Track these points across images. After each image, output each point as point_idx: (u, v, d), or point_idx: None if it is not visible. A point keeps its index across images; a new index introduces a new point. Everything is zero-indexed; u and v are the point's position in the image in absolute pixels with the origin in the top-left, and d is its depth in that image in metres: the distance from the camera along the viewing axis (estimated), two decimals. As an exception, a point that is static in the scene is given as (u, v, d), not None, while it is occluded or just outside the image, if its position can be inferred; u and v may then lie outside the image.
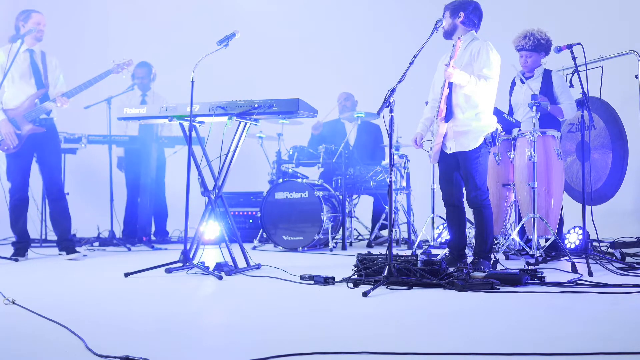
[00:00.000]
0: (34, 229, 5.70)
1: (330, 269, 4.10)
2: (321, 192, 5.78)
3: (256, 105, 4.14)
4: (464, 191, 4.24)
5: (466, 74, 3.98)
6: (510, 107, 5.15)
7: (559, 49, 4.51)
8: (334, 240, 5.81)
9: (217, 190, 4.25)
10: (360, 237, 6.93)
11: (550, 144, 4.62)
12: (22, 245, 5.09)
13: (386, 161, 6.11)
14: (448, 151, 4.18)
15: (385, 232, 6.37)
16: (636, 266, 4.11)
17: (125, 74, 5.42)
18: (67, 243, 5.22)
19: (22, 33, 5.00)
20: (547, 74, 4.96)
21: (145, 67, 6.55)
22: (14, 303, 2.89)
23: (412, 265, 3.41)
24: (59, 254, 5.23)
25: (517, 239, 4.65)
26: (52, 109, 5.12)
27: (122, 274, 3.89)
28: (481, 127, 4.10)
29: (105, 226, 6.53)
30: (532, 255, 4.38)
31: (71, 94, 5.08)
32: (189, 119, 4.13)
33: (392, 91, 3.52)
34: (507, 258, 4.76)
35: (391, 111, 3.54)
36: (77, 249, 5.28)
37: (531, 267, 4.00)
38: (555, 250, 4.60)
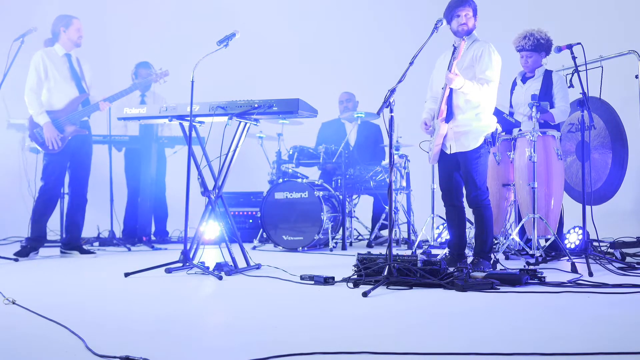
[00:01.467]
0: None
1: (330, 269, 4.10)
2: (321, 192, 5.79)
3: (256, 105, 4.14)
4: (464, 191, 4.23)
5: (469, 82, 3.97)
6: (511, 107, 5.15)
7: (559, 49, 4.51)
8: (334, 240, 5.81)
9: (217, 190, 4.25)
10: (360, 237, 6.93)
11: (550, 144, 4.62)
12: (32, 245, 5.12)
13: (386, 161, 6.11)
14: (448, 151, 4.18)
15: (385, 232, 6.37)
16: (636, 266, 4.11)
17: (162, 83, 5.56)
18: (77, 243, 5.30)
19: (52, 38, 5.15)
20: (547, 74, 4.96)
21: (146, 67, 6.54)
22: (14, 303, 2.89)
23: (412, 265, 3.41)
24: (63, 253, 5.26)
25: (517, 239, 4.65)
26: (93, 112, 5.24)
27: (122, 274, 3.89)
28: (481, 127, 4.10)
29: (105, 226, 6.53)
30: (532, 255, 4.38)
31: (113, 99, 5.22)
32: (189, 119, 4.13)
33: (392, 91, 3.51)
34: (507, 258, 4.76)
35: (391, 111, 3.54)
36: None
37: (531, 267, 3.99)
38: (555, 250, 4.60)
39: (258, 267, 4.24)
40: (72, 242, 5.27)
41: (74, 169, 5.26)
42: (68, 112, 5.11)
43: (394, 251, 3.50)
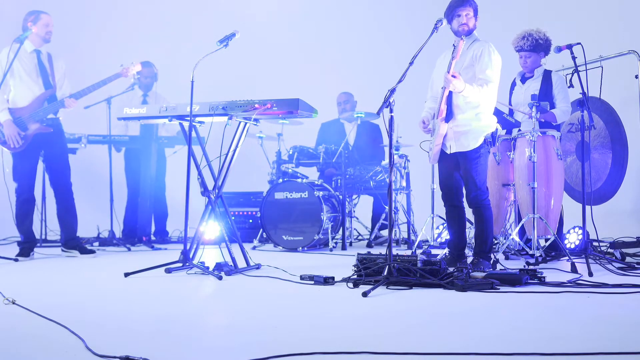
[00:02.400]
0: (34, 229, 5.70)
1: (330, 269, 4.10)
2: (321, 192, 5.78)
3: (256, 106, 4.14)
4: (464, 191, 4.23)
5: (469, 86, 3.96)
6: (510, 107, 5.15)
7: (559, 49, 4.51)
8: (334, 240, 5.81)
9: (217, 190, 4.25)
10: (360, 237, 6.93)
11: (550, 144, 4.62)
12: (27, 246, 5.11)
13: (386, 161, 6.11)
14: (448, 151, 4.18)
15: (385, 232, 6.37)
16: (636, 266, 4.11)
17: (134, 77, 5.46)
18: (76, 242, 5.27)
19: (23, 35, 5.00)
20: (547, 74, 4.96)
21: (148, 67, 6.53)
22: (13, 303, 2.89)
23: (412, 265, 3.41)
24: (63, 251, 5.26)
25: (517, 239, 4.65)
26: (59, 110, 5.14)
27: (122, 274, 3.89)
28: (481, 127, 4.10)
29: (105, 226, 6.53)
30: (532, 255, 4.38)
31: (79, 95, 5.11)
32: (188, 119, 4.13)
33: (392, 91, 3.52)
34: (507, 258, 4.76)
35: (391, 111, 3.54)
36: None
37: (531, 267, 4.00)
38: (555, 250, 4.60)
39: (258, 267, 4.24)
40: (70, 242, 5.26)
41: (49, 167, 5.22)
42: (32, 109, 5.04)
43: (394, 251, 3.50)
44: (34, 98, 5.07)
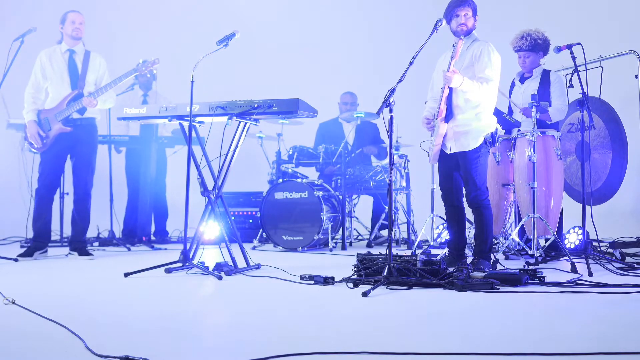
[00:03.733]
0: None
1: (330, 269, 4.10)
2: (321, 192, 5.79)
3: (256, 105, 4.14)
4: (464, 191, 4.23)
5: (468, 79, 3.96)
6: (510, 107, 5.15)
7: (559, 49, 4.51)
8: (334, 240, 5.81)
9: (217, 190, 4.25)
10: (360, 237, 6.93)
11: (550, 144, 4.62)
12: (34, 245, 5.11)
13: (386, 161, 6.10)
14: (448, 151, 4.18)
15: (385, 232, 6.37)
16: (636, 266, 4.11)
17: (148, 75, 5.46)
18: (81, 244, 5.26)
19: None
20: (545, 74, 4.95)
21: (146, 65, 6.51)
22: (13, 303, 2.89)
23: (412, 265, 3.41)
24: (69, 254, 5.24)
25: (517, 239, 4.66)
26: (88, 108, 5.12)
27: (122, 274, 3.89)
28: (481, 127, 4.10)
29: (105, 226, 6.53)
30: (532, 255, 4.38)
31: (98, 94, 5.09)
32: (188, 119, 4.13)
33: (392, 91, 3.51)
34: (507, 258, 4.76)
35: (391, 111, 3.54)
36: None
37: (531, 267, 4.00)
38: (555, 250, 4.60)
39: (258, 267, 4.24)
40: (74, 243, 5.25)
41: (74, 167, 5.24)
42: (58, 109, 5.08)
43: (394, 251, 3.50)
44: (62, 99, 5.11)
